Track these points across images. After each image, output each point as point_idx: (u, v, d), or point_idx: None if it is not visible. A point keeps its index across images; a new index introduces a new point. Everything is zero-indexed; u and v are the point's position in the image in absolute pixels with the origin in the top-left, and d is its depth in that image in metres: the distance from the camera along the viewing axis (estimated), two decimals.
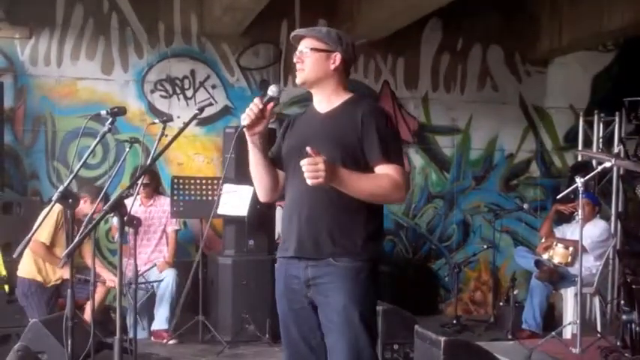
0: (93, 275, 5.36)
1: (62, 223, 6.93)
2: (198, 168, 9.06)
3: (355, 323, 3.40)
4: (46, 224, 6.58)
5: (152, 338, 7.88)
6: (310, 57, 3.60)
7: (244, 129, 3.47)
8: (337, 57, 3.59)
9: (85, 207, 6.83)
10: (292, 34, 3.74)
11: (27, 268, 6.96)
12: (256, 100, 3.47)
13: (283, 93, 9.12)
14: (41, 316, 6.40)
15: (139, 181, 4.13)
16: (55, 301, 7.04)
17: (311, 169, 3.17)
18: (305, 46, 3.64)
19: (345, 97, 3.62)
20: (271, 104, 3.49)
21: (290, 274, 3.58)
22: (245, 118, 3.45)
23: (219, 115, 9.10)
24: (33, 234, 4.87)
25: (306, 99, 8.80)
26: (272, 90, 3.51)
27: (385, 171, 3.41)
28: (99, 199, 5.51)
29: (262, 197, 3.76)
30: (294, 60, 3.66)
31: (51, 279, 7.03)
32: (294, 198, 3.58)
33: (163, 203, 8.23)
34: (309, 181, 3.18)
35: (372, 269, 3.47)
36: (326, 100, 3.64)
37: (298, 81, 3.66)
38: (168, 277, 7.90)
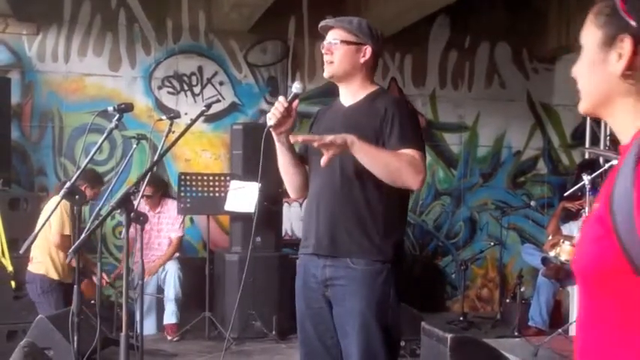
0: (99, 271, 5.37)
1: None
2: (206, 164, 9.07)
3: (371, 330, 3.35)
4: (62, 219, 6.61)
5: (165, 333, 7.88)
6: (340, 49, 3.49)
7: (271, 129, 3.40)
8: (368, 50, 3.51)
9: (86, 193, 6.84)
10: (321, 23, 3.62)
11: (43, 265, 6.87)
12: (281, 99, 3.40)
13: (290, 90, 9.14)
14: (44, 311, 6.41)
15: (146, 178, 4.12)
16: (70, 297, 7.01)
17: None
18: (334, 38, 3.52)
19: (369, 90, 3.55)
20: (296, 102, 3.44)
21: (309, 272, 3.53)
22: (271, 118, 3.37)
23: (226, 112, 9.11)
24: (40, 230, 4.87)
25: (314, 96, 8.82)
26: (296, 87, 3.43)
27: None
28: (105, 186, 5.51)
29: (293, 195, 3.74)
30: (323, 51, 3.55)
31: (67, 274, 6.96)
32: (315, 194, 3.54)
33: (170, 208, 8.19)
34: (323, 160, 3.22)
35: (392, 271, 3.39)
36: (352, 94, 3.57)
37: (326, 74, 3.55)
38: (170, 271, 7.91)
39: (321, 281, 3.46)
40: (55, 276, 6.88)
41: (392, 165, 3.27)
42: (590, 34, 1.69)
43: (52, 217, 6.49)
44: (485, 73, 10.15)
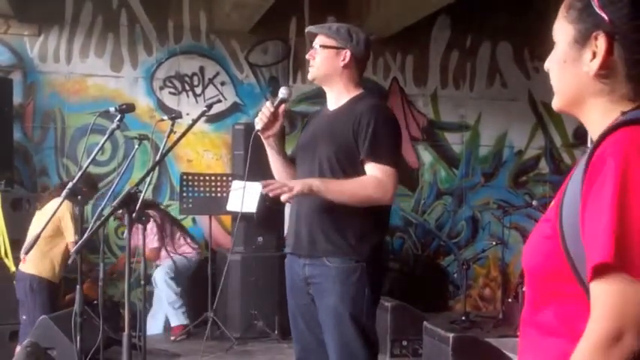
0: (102, 270, 5.37)
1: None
2: (208, 165, 9.08)
3: (345, 325, 3.43)
4: (71, 224, 6.58)
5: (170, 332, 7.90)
6: (320, 54, 3.61)
7: (258, 133, 3.51)
8: (347, 54, 3.59)
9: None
10: (306, 30, 3.76)
11: (38, 265, 6.80)
12: (268, 104, 3.53)
13: (292, 90, 9.15)
14: (43, 313, 6.38)
15: (148, 178, 4.13)
16: (57, 296, 6.98)
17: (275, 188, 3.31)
18: (316, 43, 3.65)
19: (352, 94, 3.63)
20: (283, 106, 3.53)
21: (294, 270, 3.64)
22: (258, 122, 3.50)
23: (228, 112, 9.11)
24: (42, 230, 4.87)
25: (315, 96, 8.82)
26: (282, 92, 3.55)
27: (371, 171, 3.43)
28: (103, 189, 5.51)
29: None
30: (307, 56, 3.68)
31: (57, 276, 6.90)
32: (297, 197, 3.58)
33: (153, 224, 8.00)
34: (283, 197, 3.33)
35: (367, 270, 3.46)
36: (335, 97, 3.67)
37: (309, 77, 3.70)
38: (159, 280, 7.91)
39: (303, 279, 3.57)
40: (48, 276, 6.74)
41: (358, 195, 3.41)
42: (562, 30, 1.62)
43: (65, 223, 6.50)
44: (487, 72, 10.14)
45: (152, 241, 7.99)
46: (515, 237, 10.03)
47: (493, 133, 10.19)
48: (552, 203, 1.55)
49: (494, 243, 9.40)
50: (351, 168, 3.45)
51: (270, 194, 3.37)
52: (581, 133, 10.14)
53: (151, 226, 7.95)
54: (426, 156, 9.94)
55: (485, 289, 10.16)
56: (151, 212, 8.00)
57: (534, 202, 9.51)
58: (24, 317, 6.51)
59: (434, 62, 9.98)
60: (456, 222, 10.10)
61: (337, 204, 3.41)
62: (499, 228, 9.63)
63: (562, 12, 1.63)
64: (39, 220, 6.46)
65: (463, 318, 8.76)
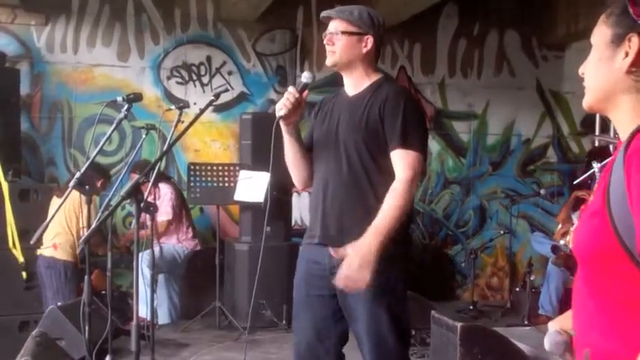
0: (109, 262, 5.37)
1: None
2: (215, 154, 9.06)
3: (379, 315, 3.37)
4: (82, 209, 6.61)
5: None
6: (341, 40, 3.50)
7: (280, 119, 3.41)
8: (369, 40, 3.51)
9: (99, 185, 6.87)
10: (322, 14, 3.63)
11: (72, 252, 6.85)
12: (291, 89, 3.42)
13: (299, 79, 9.14)
14: (65, 296, 6.41)
15: (155, 169, 4.13)
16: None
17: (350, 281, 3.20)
18: (335, 29, 3.53)
19: (373, 79, 3.55)
20: (306, 91, 3.45)
21: (312, 260, 3.54)
22: (282, 109, 3.38)
23: (235, 102, 9.10)
24: (50, 220, 4.87)
25: (324, 84, 8.78)
26: (305, 77, 3.46)
27: (399, 157, 3.35)
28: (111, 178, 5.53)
29: (300, 186, 3.75)
30: (325, 41, 3.56)
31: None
32: (320, 185, 3.55)
33: (162, 192, 7.88)
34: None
35: (397, 259, 3.39)
36: (354, 83, 3.58)
37: (329, 63, 3.56)
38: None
39: (329, 269, 3.41)
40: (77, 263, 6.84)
41: (399, 212, 3.28)
42: (601, 33, 1.78)
43: (80, 209, 6.55)
44: (495, 61, 10.10)
45: (165, 212, 7.82)
46: (522, 226, 10.02)
47: (501, 122, 10.16)
48: (595, 191, 1.70)
49: (501, 232, 9.40)
50: (379, 153, 3.38)
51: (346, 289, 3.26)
52: (588, 122, 10.11)
53: (166, 192, 7.91)
54: (434, 145, 9.91)
55: (492, 278, 10.15)
56: (165, 186, 7.95)
57: (542, 191, 9.51)
58: (59, 304, 6.45)
59: (441, 50, 9.95)
60: (464, 211, 10.08)
61: (365, 192, 3.39)
62: (507, 217, 9.63)
63: (602, 18, 1.80)
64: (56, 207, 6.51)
65: (471, 307, 8.76)
